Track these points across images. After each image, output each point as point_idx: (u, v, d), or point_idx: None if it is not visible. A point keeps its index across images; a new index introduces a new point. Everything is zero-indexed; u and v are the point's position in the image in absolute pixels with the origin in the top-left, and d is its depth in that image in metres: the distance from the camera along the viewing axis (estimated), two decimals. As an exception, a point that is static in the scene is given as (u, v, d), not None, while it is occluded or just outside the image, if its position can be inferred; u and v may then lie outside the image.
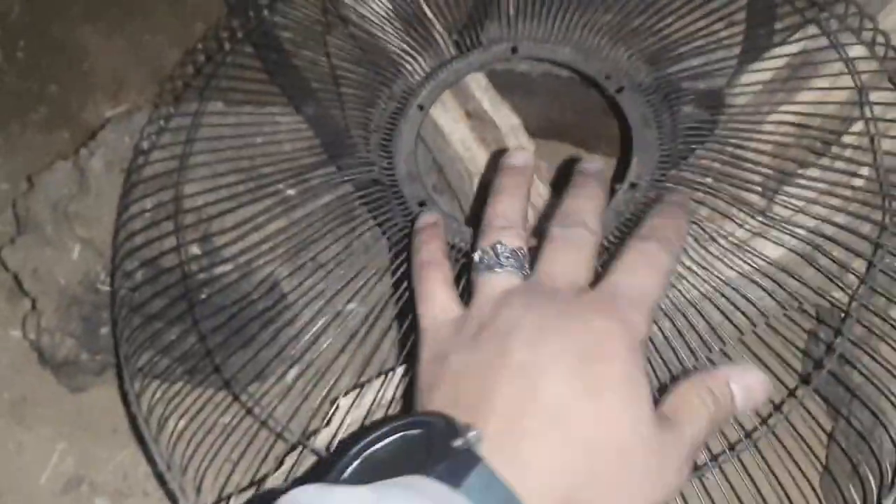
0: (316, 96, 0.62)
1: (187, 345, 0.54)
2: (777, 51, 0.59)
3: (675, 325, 0.50)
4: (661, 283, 0.40)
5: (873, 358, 0.48)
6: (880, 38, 0.56)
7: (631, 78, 0.59)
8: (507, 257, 0.41)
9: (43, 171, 0.66)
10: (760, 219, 0.52)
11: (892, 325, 0.48)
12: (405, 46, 0.63)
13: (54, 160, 0.72)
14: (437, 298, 0.42)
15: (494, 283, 0.40)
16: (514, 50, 0.62)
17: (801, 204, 0.52)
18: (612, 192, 0.54)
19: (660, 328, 0.50)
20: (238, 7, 0.70)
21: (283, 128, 0.60)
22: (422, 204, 0.56)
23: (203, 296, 0.55)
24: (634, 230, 0.42)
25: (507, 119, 0.63)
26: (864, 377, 0.48)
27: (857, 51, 0.56)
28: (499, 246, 0.41)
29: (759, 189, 0.54)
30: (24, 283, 0.62)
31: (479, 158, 0.61)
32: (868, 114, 0.53)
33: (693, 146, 0.57)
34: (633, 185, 0.54)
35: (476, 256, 0.42)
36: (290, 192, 0.57)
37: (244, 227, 0.56)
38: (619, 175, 0.57)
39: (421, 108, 0.61)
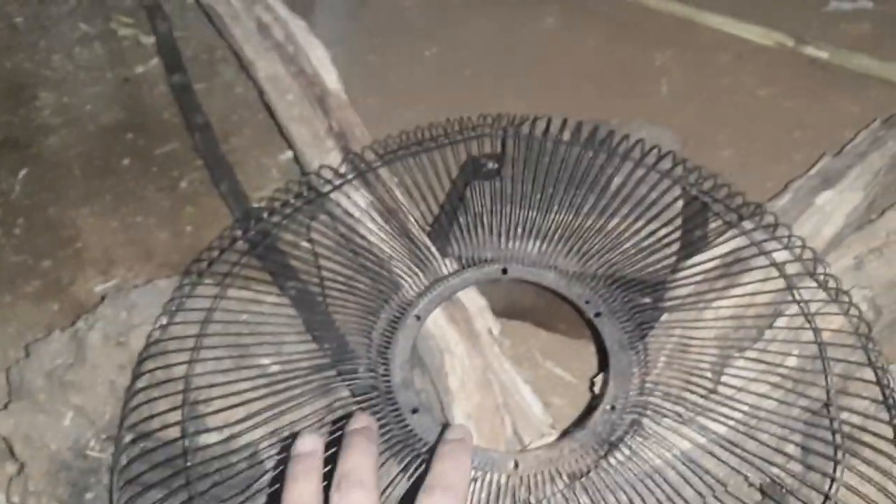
0: (315, 306, 0.69)
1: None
2: (711, 250, 0.68)
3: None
4: None
5: None
6: (797, 241, 0.65)
7: (608, 303, 0.67)
8: None
9: (39, 341, 0.70)
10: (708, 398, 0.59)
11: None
12: (403, 266, 0.70)
13: (44, 331, 0.76)
14: None
15: None
16: (504, 271, 0.71)
17: (742, 383, 0.60)
18: (591, 412, 0.61)
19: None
20: (243, 219, 0.77)
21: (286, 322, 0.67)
22: (414, 411, 0.61)
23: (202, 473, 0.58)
24: (423, 482, 0.43)
25: (474, 301, 0.70)
26: None
27: (781, 254, 0.66)
28: None
29: (708, 373, 0.61)
30: (15, 448, 0.64)
31: (448, 335, 0.67)
32: (798, 297, 0.63)
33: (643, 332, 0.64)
34: (611, 408, 0.61)
35: None
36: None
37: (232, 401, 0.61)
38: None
39: (418, 318, 0.68)
